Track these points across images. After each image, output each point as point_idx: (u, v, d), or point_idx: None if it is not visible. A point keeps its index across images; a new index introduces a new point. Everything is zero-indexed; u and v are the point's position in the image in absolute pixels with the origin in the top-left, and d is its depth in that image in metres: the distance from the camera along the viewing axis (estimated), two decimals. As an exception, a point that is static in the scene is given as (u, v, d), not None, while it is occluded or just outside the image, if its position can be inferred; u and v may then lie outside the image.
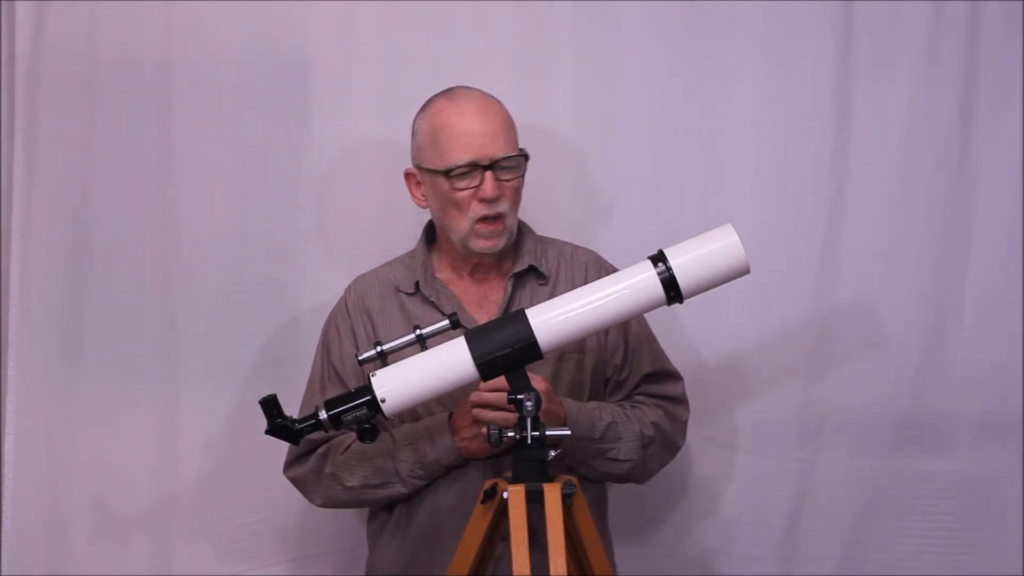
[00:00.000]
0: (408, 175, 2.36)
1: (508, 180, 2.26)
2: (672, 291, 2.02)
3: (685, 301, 2.04)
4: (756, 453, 2.71)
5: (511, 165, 2.26)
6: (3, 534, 2.66)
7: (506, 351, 2.03)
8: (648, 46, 2.71)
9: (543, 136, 2.64)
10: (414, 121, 2.33)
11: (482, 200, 2.24)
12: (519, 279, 2.35)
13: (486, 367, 2.03)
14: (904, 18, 2.68)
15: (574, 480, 2.02)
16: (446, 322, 2.07)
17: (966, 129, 2.67)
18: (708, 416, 2.62)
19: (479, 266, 2.35)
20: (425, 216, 2.40)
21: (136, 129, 2.70)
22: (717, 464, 2.71)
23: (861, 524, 2.69)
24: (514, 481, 1.99)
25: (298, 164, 2.71)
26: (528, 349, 2.03)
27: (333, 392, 2.27)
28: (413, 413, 2.29)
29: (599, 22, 2.70)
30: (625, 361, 2.36)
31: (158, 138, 2.70)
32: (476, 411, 2.16)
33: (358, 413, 2.04)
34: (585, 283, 2.27)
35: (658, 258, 2.03)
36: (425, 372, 2.05)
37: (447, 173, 2.24)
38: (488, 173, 2.23)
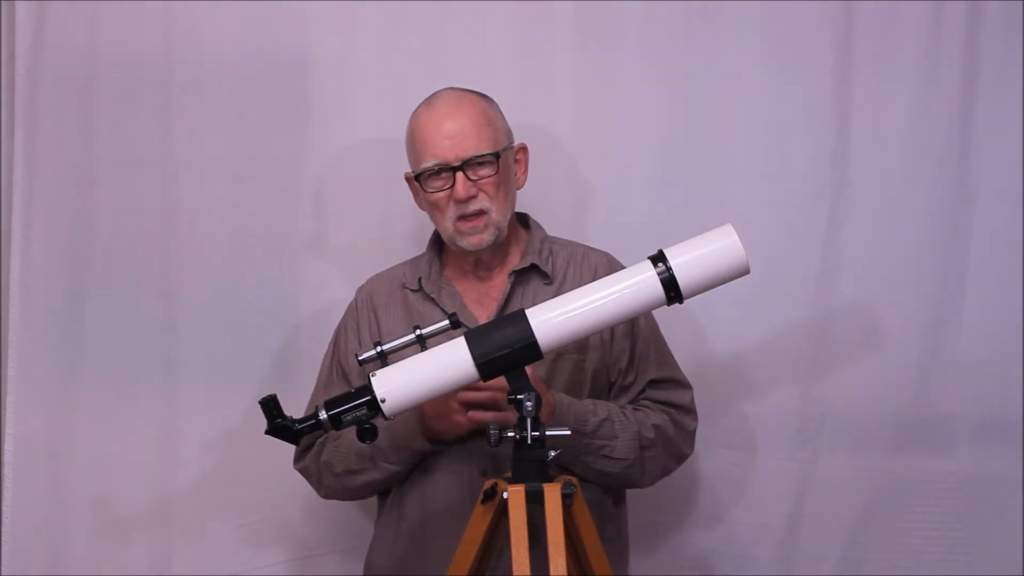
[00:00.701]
0: (408, 179, 2.38)
1: (485, 177, 2.26)
2: (672, 291, 2.02)
3: (685, 301, 2.04)
4: (756, 453, 2.71)
5: (486, 161, 2.26)
6: (3, 534, 2.66)
7: (506, 351, 2.03)
8: (648, 45, 2.71)
9: (543, 136, 2.64)
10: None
11: (456, 201, 2.26)
12: (521, 277, 2.35)
13: (486, 367, 2.03)
14: (904, 18, 2.68)
15: (574, 480, 2.02)
16: (446, 322, 2.08)
17: (966, 129, 2.67)
18: (708, 416, 2.61)
19: (480, 264, 2.36)
20: (422, 217, 2.40)
21: (136, 129, 2.70)
22: (717, 464, 2.71)
23: (861, 524, 2.69)
24: (514, 481, 1.99)
25: (298, 164, 2.72)
26: (528, 349, 2.03)
27: (338, 390, 2.27)
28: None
29: (599, 21, 2.70)
30: (631, 365, 2.36)
31: (158, 138, 2.70)
32: (472, 414, 2.16)
33: (358, 413, 2.04)
34: None
35: (658, 258, 2.03)
36: (425, 372, 2.05)
37: (419, 177, 2.28)
38: (458, 174, 2.25)
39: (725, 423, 2.70)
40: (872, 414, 2.69)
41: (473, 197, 2.26)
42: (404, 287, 2.39)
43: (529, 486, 1.97)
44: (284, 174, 2.72)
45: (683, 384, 2.40)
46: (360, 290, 2.44)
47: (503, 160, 2.29)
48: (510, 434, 2.00)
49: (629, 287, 2.04)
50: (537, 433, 1.99)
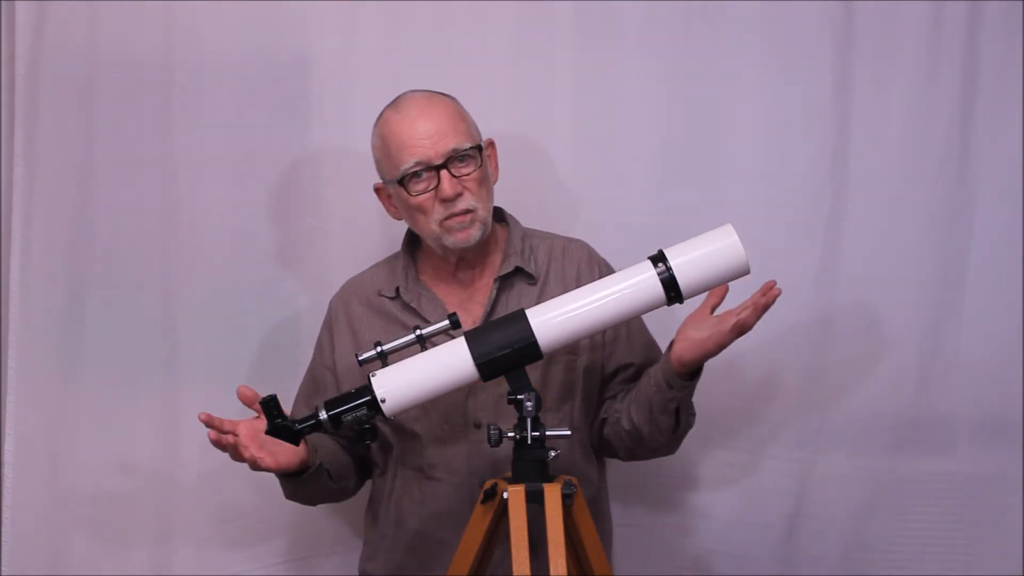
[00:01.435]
0: (377, 190, 2.36)
1: (468, 173, 2.23)
2: (672, 291, 2.02)
3: (685, 301, 2.04)
4: (756, 453, 2.71)
5: (467, 156, 2.23)
6: (3, 534, 2.66)
7: (506, 351, 2.03)
8: (648, 45, 2.70)
9: (543, 136, 2.64)
10: (371, 138, 2.32)
11: (442, 201, 2.22)
12: (505, 281, 2.33)
13: (486, 367, 2.04)
14: (904, 18, 2.68)
15: (574, 480, 2.02)
16: (446, 322, 2.08)
17: (966, 129, 2.67)
18: (708, 416, 2.61)
19: (462, 265, 2.33)
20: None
21: (136, 129, 2.70)
22: (717, 464, 2.71)
23: (861, 524, 2.69)
24: (514, 481, 1.99)
25: (298, 164, 2.72)
26: (528, 349, 2.03)
27: (311, 404, 2.27)
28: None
29: (599, 21, 2.70)
30: (627, 351, 2.35)
31: (158, 138, 2.70)
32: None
33: (358, 413, 2.04)
34: (577, 280, 2.28)
35: (658, 258, 2.03)
36: (425, 372, 2.06)
37: (401, 181, 2.23)
38: (443, 172, 2.22)
39: (725, 423, 2.70)
40: (872, 414, 2.69)
41: (459, 195, 2.23)
42: (380, 294, 2.37)
43: (529, 486, 1.97)
44: (284, 173, 2.71)
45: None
46: (335, 298, 2.43)
47: (482, 155, 2.27)
48: (510, 434, 2.01)
49: (629, 287, 2.04)
50: (537, 433, 2.00)
